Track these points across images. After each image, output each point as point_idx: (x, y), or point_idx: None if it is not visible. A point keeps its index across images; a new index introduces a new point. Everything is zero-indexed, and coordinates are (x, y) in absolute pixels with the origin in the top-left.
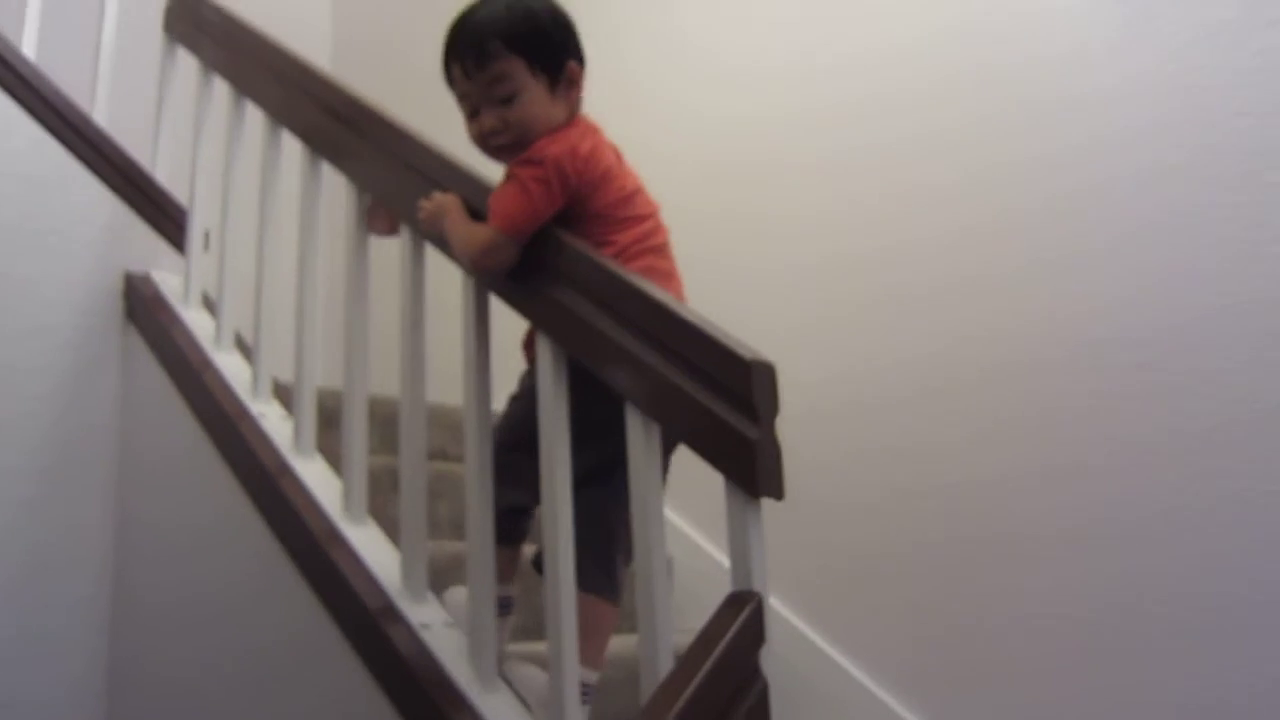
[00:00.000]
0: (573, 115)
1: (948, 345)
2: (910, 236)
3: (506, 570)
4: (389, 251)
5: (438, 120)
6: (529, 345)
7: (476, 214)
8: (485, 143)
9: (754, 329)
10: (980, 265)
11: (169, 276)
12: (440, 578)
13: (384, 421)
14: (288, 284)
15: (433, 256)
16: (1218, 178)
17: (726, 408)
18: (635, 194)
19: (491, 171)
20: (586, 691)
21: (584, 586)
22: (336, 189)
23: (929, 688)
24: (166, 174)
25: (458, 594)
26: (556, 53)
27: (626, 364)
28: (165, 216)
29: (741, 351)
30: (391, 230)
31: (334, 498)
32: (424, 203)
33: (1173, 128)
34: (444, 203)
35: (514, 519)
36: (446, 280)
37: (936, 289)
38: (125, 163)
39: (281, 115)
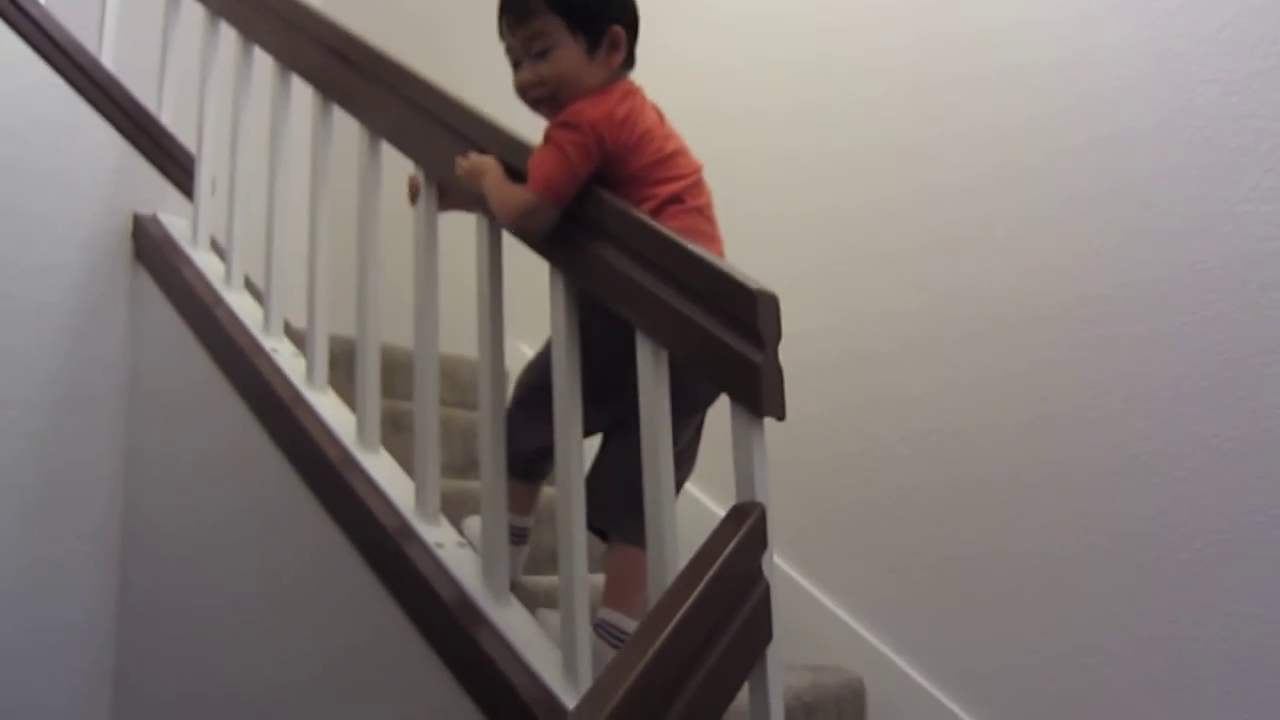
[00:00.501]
0: (614, 76)
1: (932, 300)
2: (895, 193)
3: (526, 504)
4: (397, 195)
5: (424, 65)
6: None
7: (515, 174)
8: (524, 95)
9: None
10: (962, 224)
11: (176, 219)
12: (447, 512)
13: (386, 368)
14: (297, 227)
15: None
16: (1188, 141)
17: (734, 335)
18: (675, 154)
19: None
20: (620, 639)
21: (623, 538)
22: (342, 133)
23: (907, 620)
24: (172, 118)
25: (475, 521)
26: (597, 15)
27: (640, 296)
28: (171, 160)
29: (748, 283)
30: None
31: (348, 429)
32: (461, 160)
33: (1146, 94)
34: (483, 162)
35: (538, 458)
36: (454, 227)
37: (921, 245)
38: (133, 106)
39: (290, 60)
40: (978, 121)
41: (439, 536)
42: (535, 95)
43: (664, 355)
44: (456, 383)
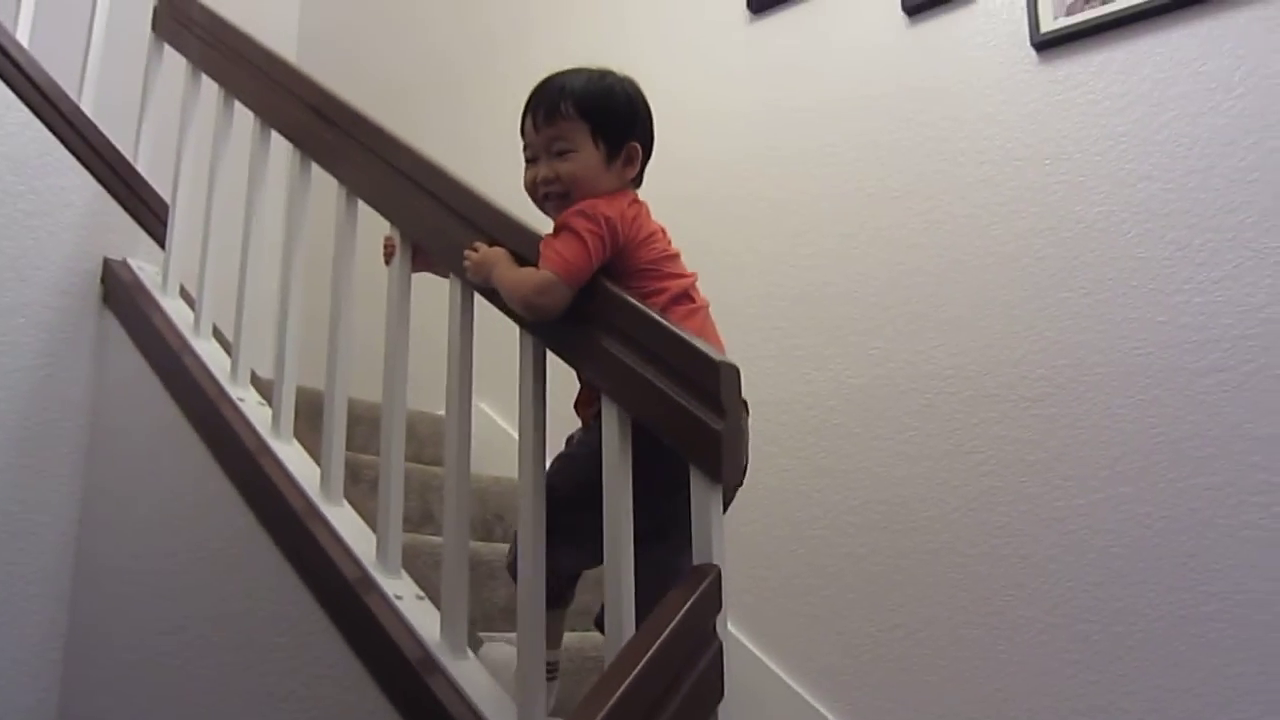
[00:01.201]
0: (624, 187)
1: (884, 374)
2: (853, 274)
3: (555, 634)
4: (370, 251)
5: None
6: (582, 405)
7: (522, 262)
8: (535, 190)
9: None
10: (915, 302)
11: (147, 265)
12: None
13: (350, 421)
14: (268, 279)
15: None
16: (1128, 234)
17: (696, 402)
18: (677, 257)
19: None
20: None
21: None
22: (321, 189)
23: (852, 689)
24: (148, 166)
25: (495, 649)
26: (621, 130)
27: (607, 361)
28: (145, 207)
29: (712, 353)
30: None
31: (311, 479)
32: (470, 252)
33: (1091, 188)
34: (493, 253)
35: (569, 583)
36: (424, 287)
37: (876, 323)
38: (109, 151)
39: (269, 115)
40: (934, 208)
41: (398, 589)
42: (548, 191)
43: (628, 420)
44: (414, 435)
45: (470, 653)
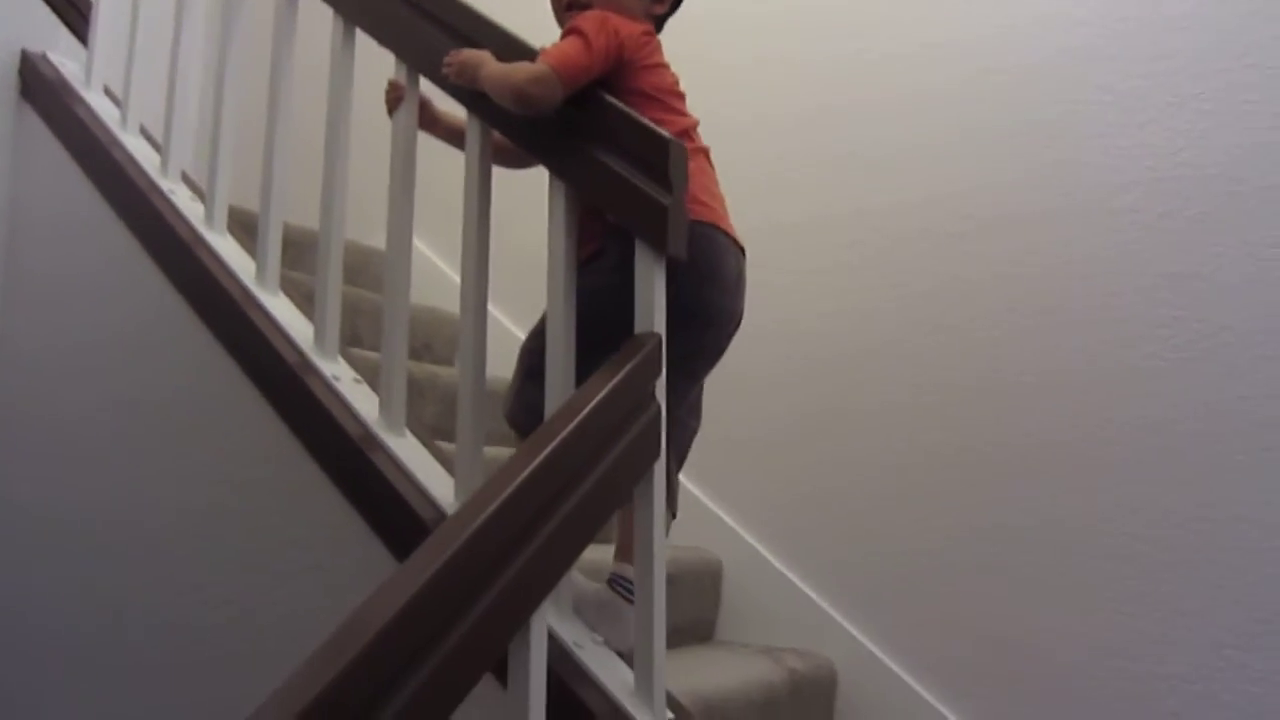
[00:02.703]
0: (647, 20)
1: (818, 212)
2: (798, 108)
3: None
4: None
5: None
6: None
7: None
8: None
9: None
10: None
11: (68, 61)
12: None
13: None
14: (196, 82)
15: None
16: None
17: (645, 179)
18: (683, 97)
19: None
20: (629, 585)
21: None
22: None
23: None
24: None
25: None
26: None
27: (557, 142)
28: (66, 2)
29: (662, 132)
30: (440, 131)
31: (247, 270)
32: (451, 56)
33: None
34: (478, 53)
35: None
36: None
37: (809, 160)
38: None
39: None
40: (866, 48)
41: (336, 371)
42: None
43: (574, 197)
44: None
45: (408, 432)
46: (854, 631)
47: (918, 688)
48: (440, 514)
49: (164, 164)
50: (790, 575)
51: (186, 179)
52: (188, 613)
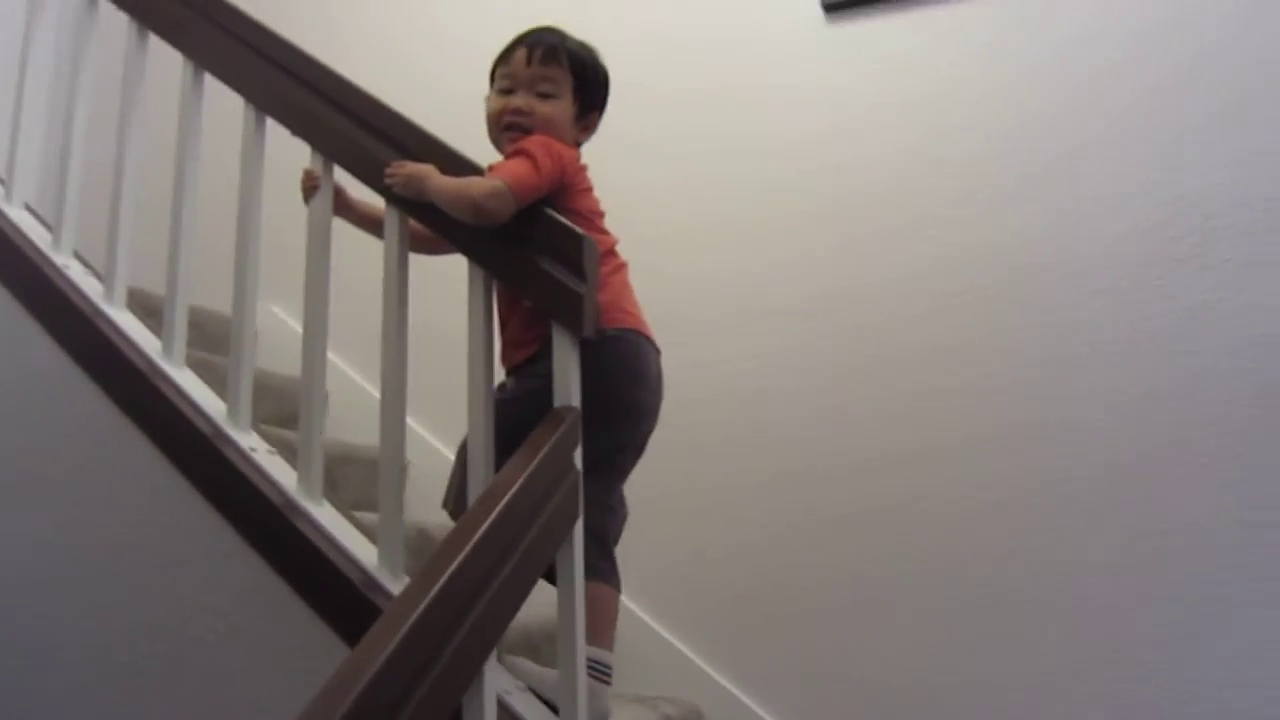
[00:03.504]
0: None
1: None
2: (662, 200)
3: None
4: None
5: None
6: (512, 346)
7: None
8: (501, 118)
9: None
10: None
11: None
12: None
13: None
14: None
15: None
16: None
17: (564, 271)
18: (604, 216)
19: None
20: (607, 671)
21: (590, 575)
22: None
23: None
24: None
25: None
26: (594, 98)
27: (483, 244)
28: None
29: (576, 229)
30: (353, 216)
31: (153, 346)
32: (396, 167)
33: None
34: (423, 167)
35: None
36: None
37: (685, 240)
38: None
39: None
40: (732, 148)
41: (252, 442)
42: (514, 121)
43: (491, 280)
44: (205, 334)
45: (325, 501)
46: (717, 676)
47: None
48: (366, 575)
49: (57, 240)
50: (658, 628)
51: (79, 257)
52: (100, 678)
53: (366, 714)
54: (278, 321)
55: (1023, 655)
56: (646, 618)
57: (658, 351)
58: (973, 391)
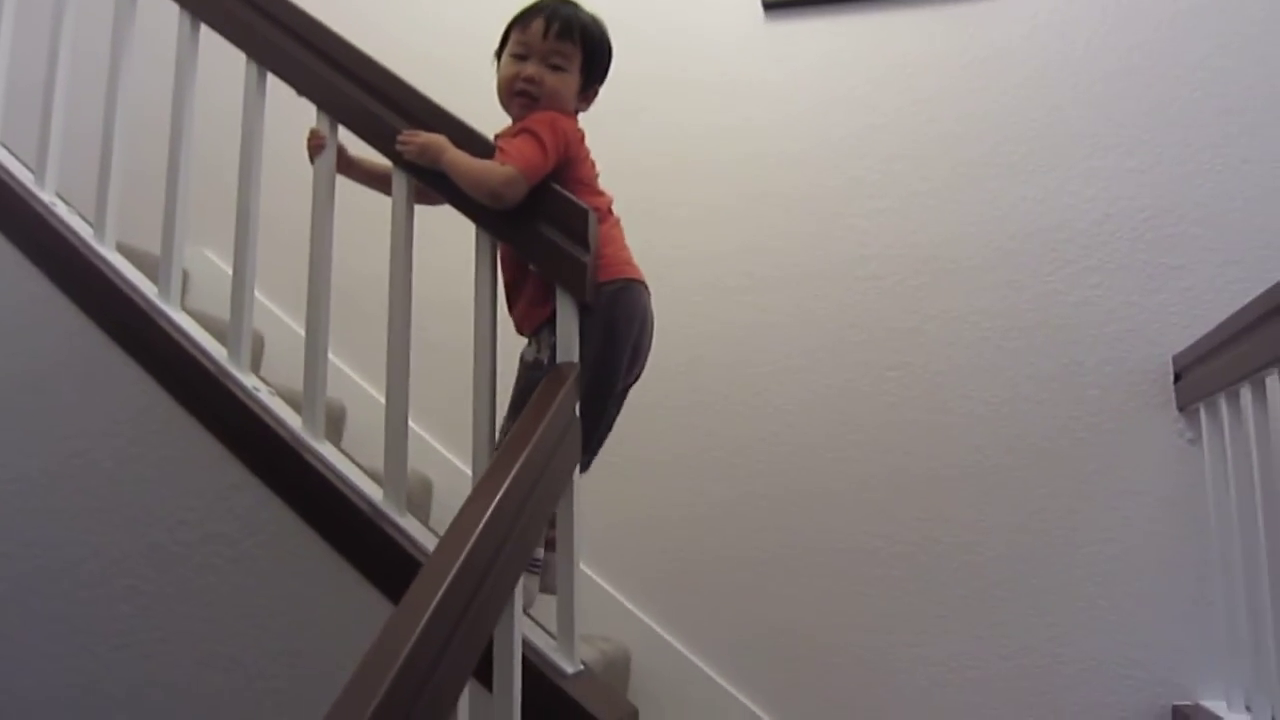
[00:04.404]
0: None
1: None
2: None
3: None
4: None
5: None
6: (529, 304)
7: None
8: (512, 84)
9: None
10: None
11: None
12: None
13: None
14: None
15: None
16: None
17: (569, 241)
18: (599, 177)
19: None
20: (536, 563)
21: None
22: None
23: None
24: None
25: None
26: (599, 74)
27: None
28: None
29: (582, 203)
30: (357, 174)
31: (148, 284)
32: (409, 136)
33: None
34: (436, 138)
35: None
36: None
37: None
38: None
39: None
40: (665, 132)
41: (254, 382)
42: (524, 89)
43: (496, 243)
44: None
45: (328, 443)
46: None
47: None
48: (374, 507)
49: (41, 177)
50: (596, 578)
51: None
52: (108, 598)
53: (429, 646)
54: (209, 264)
55: (922, 610)
56: (588, 570)
57: (649, 293)
58: (882, 373)
